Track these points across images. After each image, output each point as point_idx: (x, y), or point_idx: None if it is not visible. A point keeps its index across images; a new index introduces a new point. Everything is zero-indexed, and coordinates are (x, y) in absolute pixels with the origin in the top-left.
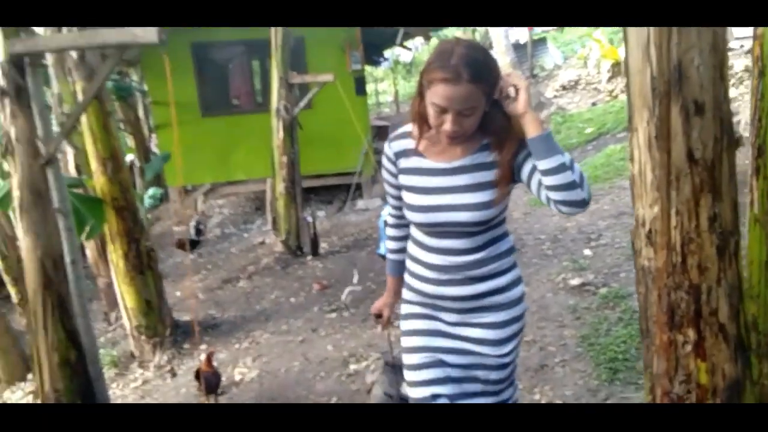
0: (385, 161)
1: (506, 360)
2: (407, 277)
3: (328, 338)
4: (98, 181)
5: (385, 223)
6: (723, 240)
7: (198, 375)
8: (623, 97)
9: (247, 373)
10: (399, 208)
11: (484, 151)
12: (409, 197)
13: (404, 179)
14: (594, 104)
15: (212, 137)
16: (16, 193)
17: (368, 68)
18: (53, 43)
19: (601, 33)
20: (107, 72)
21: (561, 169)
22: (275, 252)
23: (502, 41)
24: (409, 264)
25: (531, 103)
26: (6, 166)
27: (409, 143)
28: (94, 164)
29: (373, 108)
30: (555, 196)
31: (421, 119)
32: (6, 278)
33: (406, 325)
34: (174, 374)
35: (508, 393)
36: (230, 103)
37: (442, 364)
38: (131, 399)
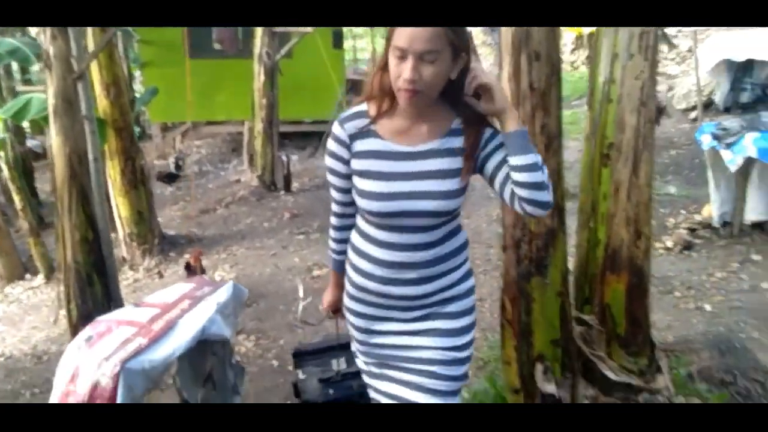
0: (333, 145)
1: (464, 354)
2: (349, 270)
3: (296, 253)
4: (101, 104)
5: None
6: (549, 140)
7: (188, 266)
8: (584, 68)
9: (225, 275)
10: (344, 204)
11: (454, 136)
12: (364, 183)
13: (359, 164)
14: None
15: (196, 78)
16: (51, 101)
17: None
18: None
19: None
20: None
21: (534, 167)
22: (251, 186)
23: None
24: (352, 255)
25: (507, 99)
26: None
27: (365, 123)
28: (98, 89)
29: (351, 63)
30: (523, 193)
31: (381, 92)
32: (12, 186)
33: (356, 321)
34: (161, 276)
35: (458, 398)
36: (214, 47)
37: (386, 366)
38: (123, 294)
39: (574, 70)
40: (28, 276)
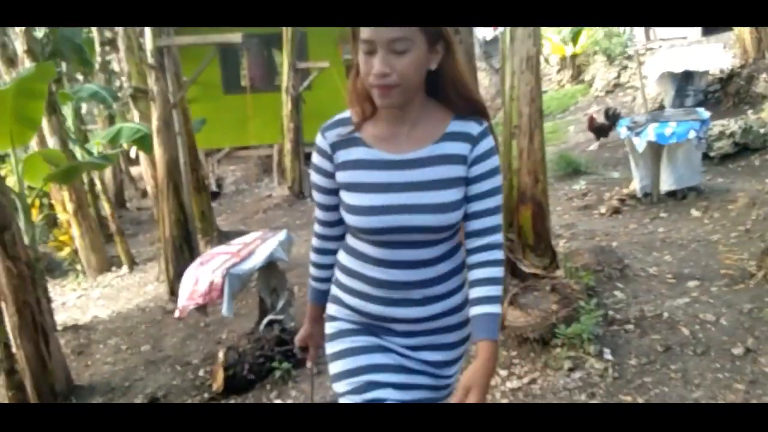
0: (316, 157)
1: (451, 381)
2: (339, 292)
3: None
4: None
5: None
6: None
7: None
8: (569, 86)
9: None
10: (328, 224)
11: (450, 141)
12: (351, 198)
13: (344, 176)
14: (545, 92)
15: (231, 110)
16: (155, 123)
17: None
18: (178, 41)
19: (553, 32)
20: (208, 60)
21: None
22: (282, 197)
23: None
24: (343, 278)
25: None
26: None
27: (348, 130)
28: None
29: None
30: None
31: (360, 97)
32: (103, 197)
33: (335, 346)
34: None
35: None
36: (246, 84)
37: (381, 385)
38: None
39: (560, 88)
40: (114, 268)
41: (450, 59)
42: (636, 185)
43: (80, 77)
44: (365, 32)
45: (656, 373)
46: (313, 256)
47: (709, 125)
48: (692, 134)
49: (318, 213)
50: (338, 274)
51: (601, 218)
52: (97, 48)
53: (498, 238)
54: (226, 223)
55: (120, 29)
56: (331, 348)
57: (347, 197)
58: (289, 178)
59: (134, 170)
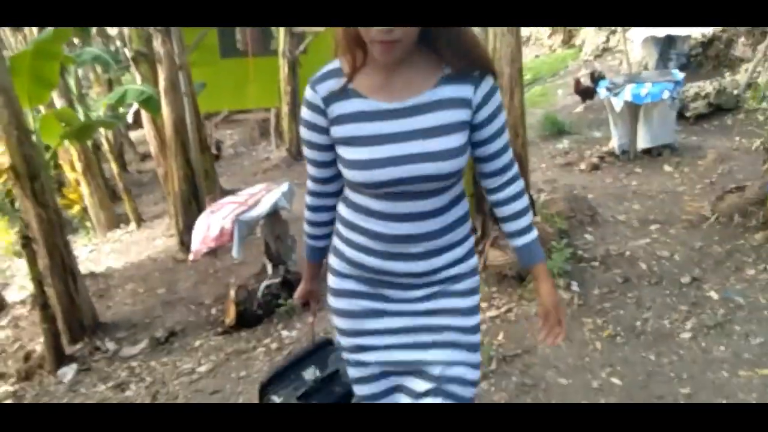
0: (307, 113)
1: (475, 338)
2: (340, 245)
3: None
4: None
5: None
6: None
7: None
8: (560, 50)
9: None
10: (322, 180)
11: (447, 83)
12: (349, 152)
13: (340, 130)
14: (537, 56)
15: (228, 74)
16: (162, 84)
17: None
18: None
19: None
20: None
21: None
22: (280, 159)
23: None
24: (343, 230)
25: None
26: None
27: (341, 82)
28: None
29: None
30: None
31: (350, 44)
32: (110, 157)
33: (340, 303)
34: None
35: (472, 390)
36: (244, 49)
37: (388, 362)
38: None
39: (552, 52)
40: (122, 225)
41: None
42: (614, 143)
43: (76, 41)
44: None
45: (615, 300)
46: (308, 214)
47: (682, 86)
48: (666, 94)
49: (311, 170)
50: (338, 226)
51: (581, 174)
52: None
53: (515, 170)
54: (227, 184)
55: None
56: (331, 302)
57: (346, 152)
58: (287, 140)
59: (132, 135)
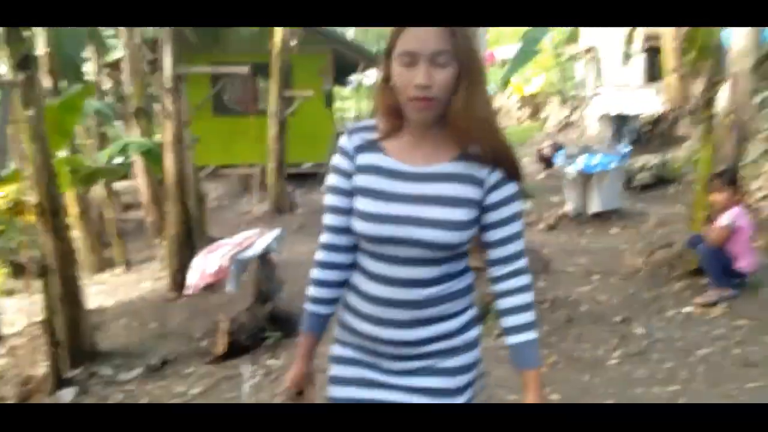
0: (338, 159)
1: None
2: (342, 311)
3: (305, 245)
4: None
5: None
6: None
7: None
8: (527, 122)
9: None
10: (336, 230)
11: (469, 161)
12: (361, 203)
13: (360, 180)
14: (506, 127)
15: (218, 131)
16: (168, 138)
17: (337, 88)
18: (194, 70)
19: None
20: (219, 86)
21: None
22: (262, 212)
23: None
24: (348, 296)
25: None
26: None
27: (374, 136)
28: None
29: (339, 120)
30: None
31: (389, 110)
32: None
33: (335, 370)
34: None
35: None
36: (234, 107)
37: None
38: None
39: (520, 124)
40: (108, 269)
41: (479, 88)
42: (569, 207)
43: None
44: (409, 43)
45: (559, 335)
46: (315, 272)
47: (628, 159)
48: (613, 165)
49: (328, 218)
50: (347, 294)
51: (540, 232)
52: (94, 68)
53: (524, 263)
54: (211, 233)
55: (126, 53)
56: (330, 370)
57: (358, 202)
58: (271, 195)
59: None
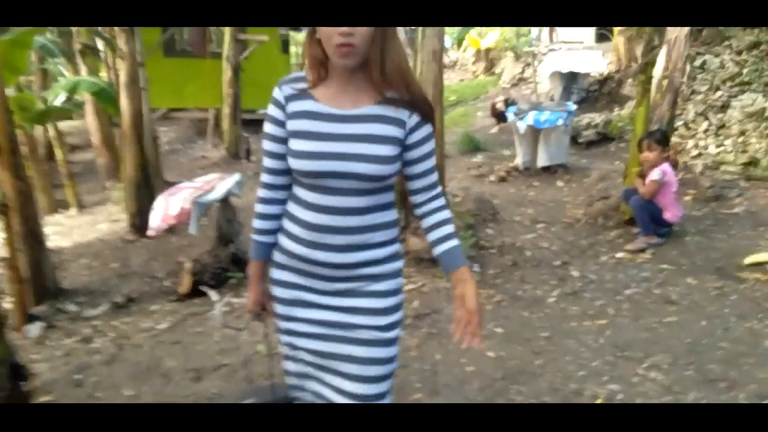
0: (271, 109)
1: (390, 335)
2: (281, 237)
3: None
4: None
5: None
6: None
7: None
8: (482, 77)
9: None
10: (275, 172)
11: (390, 104)
12: (295, 144)
13: (293, 124)
14: (461, 80)
15: (169, 73)
16: (123, 79)
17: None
18: None
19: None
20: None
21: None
22: (217, 158)
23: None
24: (284, 222)
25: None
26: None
27: (302, 86)
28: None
29: (295, 67)
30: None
31: (317, 61)
32: (56, 143)
33: (276, 291)
34: None
35: (387, 385)
36: (185, 49)
37: (313, 355)
38: None
39: (474, 78)
40: (61, 210)
41: (394, 41)
42: (519, 160)
43: None
44: None
45: (504, 277)
46: (259, 207)
47: (574, 116)
48: (560, 122)
49: (266, 161)
50: (283, 221)
51: (490, 184)
52: None
53: (440, 189)
54: (166, 177)
55: None
56: (272, 290)
57: (294, 143)
58: (226, 140)
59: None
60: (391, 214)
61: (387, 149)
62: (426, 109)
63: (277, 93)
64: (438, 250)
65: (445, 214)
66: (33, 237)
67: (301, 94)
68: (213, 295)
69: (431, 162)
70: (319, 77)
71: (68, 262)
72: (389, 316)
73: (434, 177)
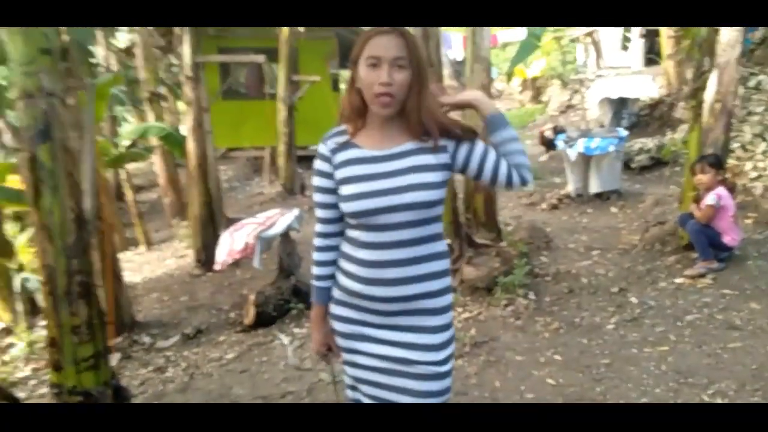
0: (318, 163)
1: (444, 368)
2: (338, 275)
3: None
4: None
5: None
6: None
7: None
8: (529, 105)
9: None
10: (329, 221)
11: (430, 138)
12: (346, 189)
13: (340, 173)
14: (509, 110)
15: (227, 115)
16: (189, 123)
17: (342, 72)
18: (212, 58)
19: None
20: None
21: (516, 138)
22: (274, 193)
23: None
24: (340, 262)
25: (478, 92)
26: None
27: (345, 138)
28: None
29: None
30: (519, 160)
31: (355, 111)
32: (127, 185)
33: (336, 326)
34: None
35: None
36: (242, 91)
37: (363, 369)
38: None
39: (522, 107)
40: (131, 248)
41: (426, 88)
42: (570, 188)
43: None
44: (374, 50)
45: (561, 305)
46: (316, 255)
47: (625, 142)
48: (612, 148)
49: (319, 212)
50: (339, 260)
51: (542, 212)
52: (102, 53)
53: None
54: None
55: (138, 39)
56: (332, 324)
57: (343, 189)
58: (282, 177)
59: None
60: (441, 245)
61: (432, 176)
62: (465, 131)
63: (322, 148)
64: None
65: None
66: (112, 274)
67: (345, 145)
68: (284, 338)
69: (492, 154)
70: (356, 127)
71: (141, 296)
72: (444, 350)
73: (500, 159)
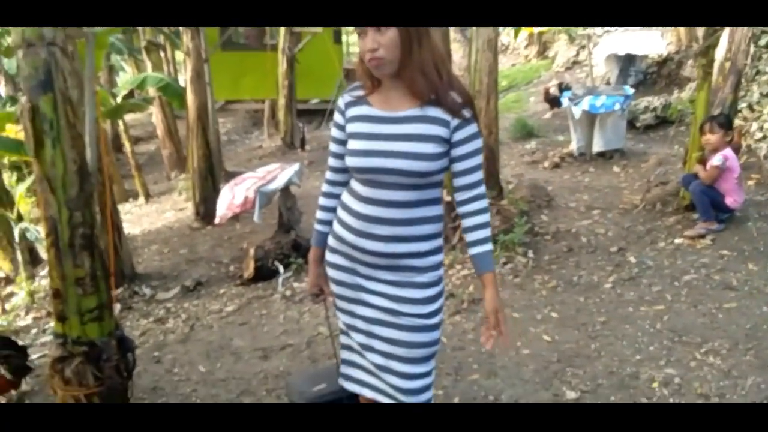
0: (336, 115)
1: (432, 321)
2: (335, 224)
3: (315, 180)
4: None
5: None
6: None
7: None
8: (534, 61)
9: None
10: (337, 170)
11: (433, 105)
12: (351, 143)
13: (350, 127)
14: (513, 65)
15: (226, 66)
16: (189, 74)
17: None
18: None
19: None
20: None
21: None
22: (273, 147)
23: None
24: (339, 211)
25: (497, 305)
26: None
27: (360, 93)
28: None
29: (346, 56)
30: (477, 234)
31: (364, 75)
32: (125, 136)
33: (330, 272)
34: None
35: (431, 364)
36: (242, 42)
37: (354, 317)
38: None
39: (527, 62)
40: (130, 200)
41: (424, 43)
42: (574, 146)
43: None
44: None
45: (559, 263)
46: (322, 200)
47: (631, 100)
48: (617, 106)
49: (330, 161)
50: (338, 209)
51: (544, 170)
52: None
53: (483, 189)
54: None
55: None
56: (327, 271)
57: (350, 143)
58: (282, 130)
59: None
60: (436, 210)
61: (429, 147)
62: (469, 111)
63: (340, 101)
64: (472, 251)
65: (484, 217)
66: (111, 224)
67: (359, 101)
68: (280, 267)
69: (475, 161)
70: (372, 86)
71: (140, 248)
72: (431, 304)
73: (477, 176)
